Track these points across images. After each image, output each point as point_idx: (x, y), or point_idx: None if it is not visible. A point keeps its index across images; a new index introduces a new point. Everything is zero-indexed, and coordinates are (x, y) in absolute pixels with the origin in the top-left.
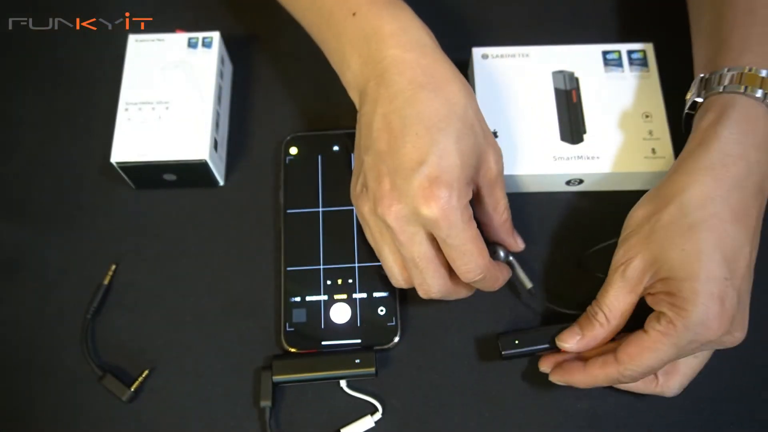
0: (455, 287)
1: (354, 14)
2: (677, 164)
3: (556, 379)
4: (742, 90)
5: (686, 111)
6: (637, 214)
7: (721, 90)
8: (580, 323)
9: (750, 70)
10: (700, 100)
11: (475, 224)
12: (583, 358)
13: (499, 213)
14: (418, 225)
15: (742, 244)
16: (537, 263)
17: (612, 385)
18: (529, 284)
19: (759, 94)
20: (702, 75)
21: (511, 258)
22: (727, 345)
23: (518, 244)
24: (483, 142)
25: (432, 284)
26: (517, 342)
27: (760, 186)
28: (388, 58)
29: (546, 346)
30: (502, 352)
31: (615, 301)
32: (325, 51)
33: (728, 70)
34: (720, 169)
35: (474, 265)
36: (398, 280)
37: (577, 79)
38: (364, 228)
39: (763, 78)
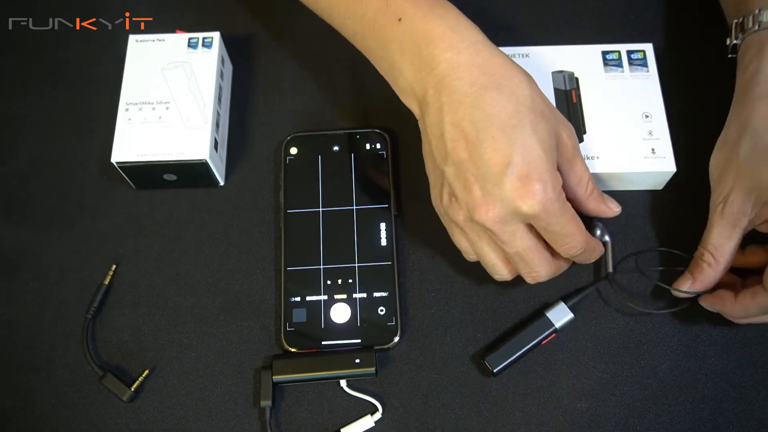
0: (559, 265)
1: (400, 20)
2: (734, 106)
3: (707, 303)
4: None
5: (729, 56)
6: (715, 159)
7: (756, 28)
8: (690, 268)
9: None
10: (738, 42)
11: (570, 206)
12: (735, 291)
13: (584, 186)
14: (518, 222)
15: None
16: None
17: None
18: (610, 269)
19: None
20: (736, 20)
21: (607, 238)
22: None
23: (613, 209)
24: (555, 124)
25: (540, 270)
26: (503, 356)
27: None
28: (443, 62)
29: (531, 345)
30: (494, 371)
31: (719, 239)
32: (371, 58)
33: (760, 10)
34: None
35: (575, 242)
36: (503, 274)
37: (576, 79)
38: (454, 234)
39: None
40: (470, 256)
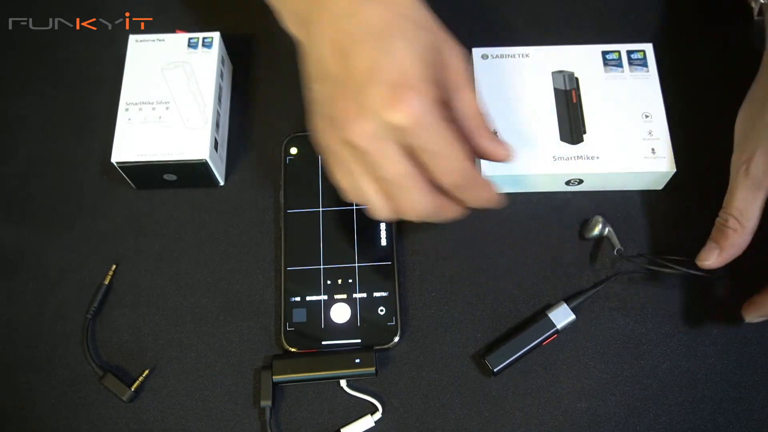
0: (443, 203)
1: None
2: (763, 64)
3: (750, 317)
4: None
5: (756, 18)
6: (741, 117)
7: None
8: (713, 237)
9: None
10: (765, 1)
11: (451, 126)
12: None
13: (471, 118)
14: (391, 139)
15: None
16: (537, 262)
17: None
18: (618, 246)
19: None
20: None
21: (608, 229)
22: None
23: (502, 152)
24: (440, 41)
25: (419, 200)
26: (503, 355)
27: None
28: None
29: (532, 346)
30: (494, 370)
31: (743, 202)
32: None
33: None
34: None
35: (455, 166)
36: (383, 211)
37: (576, 79)
38: (334, 167)
39: None
40: (350, 193)
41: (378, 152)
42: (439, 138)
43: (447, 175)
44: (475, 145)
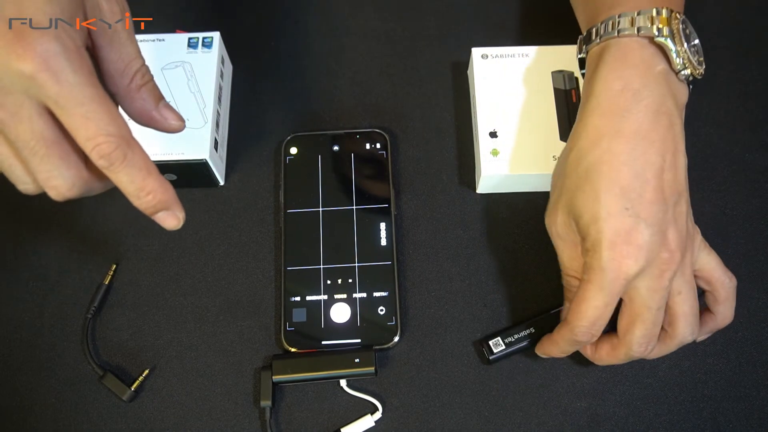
0: (94, 179)
1: None
2: (576, 120)
3: (537, 351)
4: (615, 34)
5: (580, 72)
6: (552, 176)
7: (598, 41)
8: (565, 296)
9: (620, 16)
10: (583, 56)
11: (96, 78)
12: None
13: (128, 76)
14: (22, 93)
15: (645, 168)
16: (538, 262)
17: (616, 358)
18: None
19: (628, 31)
20: (581, 36)
21: None
22: (672, 268)
23: (168, 120)
24: None
25: (60, 174)
26: (504, 340)
27: (657, 108)
28: None
29: (528, 342)
30: (489, 357)
31: (569, 261)
32: None
33: (602, 23)
34: (606, 106)
35: (98, 130)
36: (24, 182)
37: (576, 79)
38: None
39: (633, 17)
40: None
41: (4, 108)
42: (76, 91)
43: (87, 141)
44: (130, 106)
